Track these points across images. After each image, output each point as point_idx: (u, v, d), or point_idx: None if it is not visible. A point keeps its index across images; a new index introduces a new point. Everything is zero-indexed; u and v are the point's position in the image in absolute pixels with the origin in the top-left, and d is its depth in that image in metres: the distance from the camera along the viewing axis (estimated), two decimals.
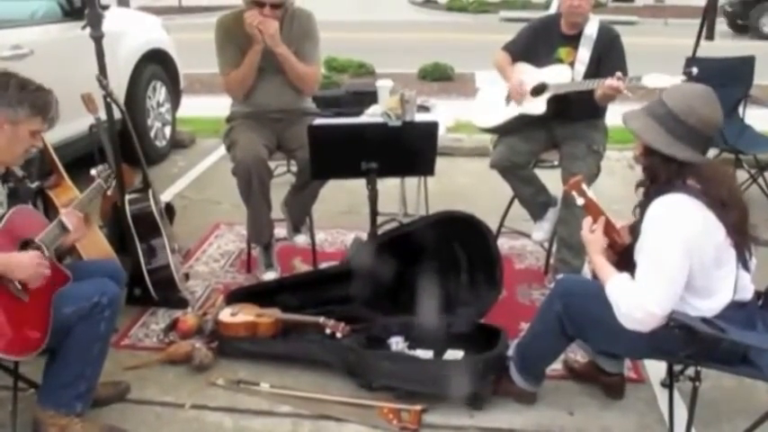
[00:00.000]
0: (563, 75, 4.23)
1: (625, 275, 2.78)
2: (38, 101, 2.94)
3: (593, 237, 2.93)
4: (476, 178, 6.29)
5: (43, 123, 2.98)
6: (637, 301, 2.67)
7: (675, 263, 2.65)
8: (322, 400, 3.38)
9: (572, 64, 4.23)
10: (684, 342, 2.70)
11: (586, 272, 4.27)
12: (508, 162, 4.36)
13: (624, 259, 2.87)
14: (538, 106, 4.27)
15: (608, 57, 4.17)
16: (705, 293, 2.75)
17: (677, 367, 3.09)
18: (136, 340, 3.88)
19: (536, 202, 4.54)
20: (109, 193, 3.57)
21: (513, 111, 4.41)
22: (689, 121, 2.69)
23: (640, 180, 2.92)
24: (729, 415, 3.25)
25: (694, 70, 3.89)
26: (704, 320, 2.69)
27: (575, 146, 4.25)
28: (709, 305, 2.75)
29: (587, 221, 2.97)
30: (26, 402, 3.09)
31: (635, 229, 2.85)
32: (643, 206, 2.81)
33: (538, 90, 4.30)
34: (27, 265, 2.75)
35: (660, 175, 2.76)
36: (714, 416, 3.22)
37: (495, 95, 4.57)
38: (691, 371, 2.85)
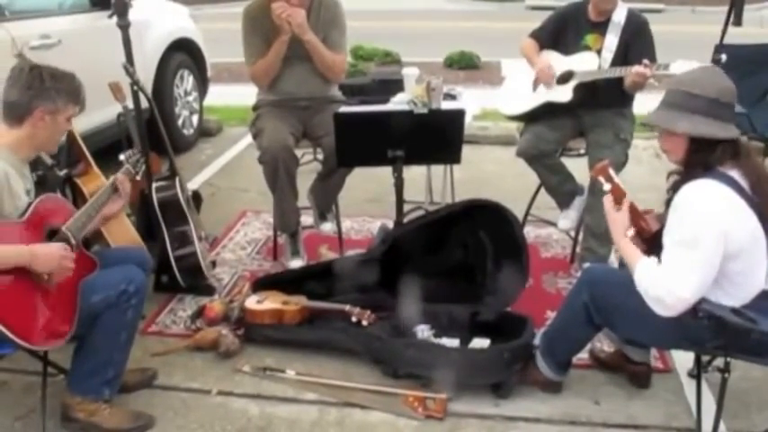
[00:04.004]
0: (590, 62, 4.20)
1: (653, 259, 2.75)
2: (70, 87, 2.98)
3: (617, 216, 2.91)
4: (502, 166, 6.26)
5: (76, 107, 3.02)
6: (665, 285, 2.64)
7: (708, 247, 2.60)
8: (347, 388, 3.39)
9: (599, 51, 4.20)
10: (714, 332, 2.68)
11: (613, 260, 4.25)
12: (535, 150, 4.33)
13: (651, 246, 2.84)
14: (564, 94, 4.25)
15: (636, 43, 4.13)
16: (738, 281, 2.70)
17: (705, 358, 3.06)
18: (163, 327, 3.91)
19: (562, 190, 4.52)
20: (138, 177, 3.59)
21: (539, 98, 4.39)
22: (732, 100, 2.72)
23: (674, 169, 2.89)
24: (758, 406, 3.22)
25: (723, 57, 3.85)
26: (734, 311, 2.66)
27: (601, 134, 4.21)
28: (740, 294, 2.72)
29: (610, 201, 2.94)
30: (55, 387, 3.12)
31: (664, 216, 2.82)
32: (675, 189, 2.77)
33: (564, 78, 4.27)
34: (51, 258, 2.71)
35: (708, 160, 2.71)
36: (742, 407, 3.20)
37: (521, 83, 4.55)
38: (719, 361, 2.83)
